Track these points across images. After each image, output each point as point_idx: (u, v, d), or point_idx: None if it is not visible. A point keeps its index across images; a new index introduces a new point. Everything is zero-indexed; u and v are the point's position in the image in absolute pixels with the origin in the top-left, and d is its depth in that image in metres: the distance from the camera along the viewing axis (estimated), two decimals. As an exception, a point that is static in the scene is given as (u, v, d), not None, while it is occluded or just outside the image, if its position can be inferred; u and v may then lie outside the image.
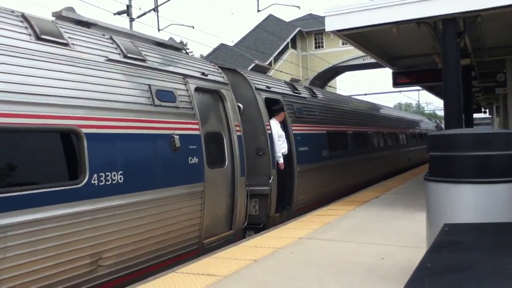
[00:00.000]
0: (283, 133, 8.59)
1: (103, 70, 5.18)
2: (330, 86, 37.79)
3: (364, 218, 7.71)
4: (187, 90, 6.37)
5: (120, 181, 4.97)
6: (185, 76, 6.46)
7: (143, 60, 5.87)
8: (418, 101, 61.58)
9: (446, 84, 8.46)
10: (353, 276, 4.57)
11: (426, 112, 62.93)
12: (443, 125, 11.57)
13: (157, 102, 5.73)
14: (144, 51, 6.07)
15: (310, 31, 34.66)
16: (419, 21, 8.66)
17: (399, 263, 4.92)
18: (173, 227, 5.73)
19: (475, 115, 35.88)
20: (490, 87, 18.27)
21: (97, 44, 5.39)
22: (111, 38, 5.70)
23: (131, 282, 4.79)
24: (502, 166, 3.96)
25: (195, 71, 6.81)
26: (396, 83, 14.66)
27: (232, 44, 29.80)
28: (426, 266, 1.75)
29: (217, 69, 7.46)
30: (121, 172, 4.98)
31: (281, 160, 8.28)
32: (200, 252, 6.21)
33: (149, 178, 5.41)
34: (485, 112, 37.78)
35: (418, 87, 27.66)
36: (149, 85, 5.72)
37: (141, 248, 5.26)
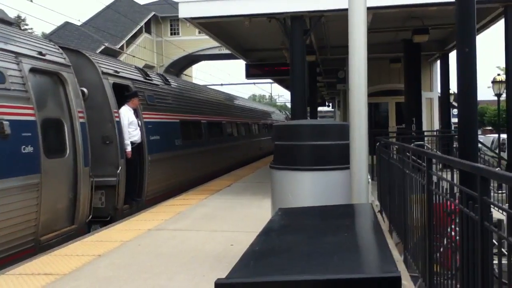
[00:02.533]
0: (134, 120, 8.25)
1: None
2: (186, 75, 37.61)
3: (216, 206, 7.82)
4: (20, 71, 5.70)
5: None
6: (17, 54, 5.77)
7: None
8: (271, 93, 64.83)
9: (292, 78, 8.97)
10: (202, 264, 4.57)
11: (278, 104, 66.48)
12: (292, 117, 12.24)
13: (-19, 82, 5.03)
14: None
15: (165, 16, 33.90)
16: (270, 16, 9.03)
17: (246, 248, 5.05)
18: (2, 223, 5.12)
19: (321, 108, 38.98)
20: (333, 83, 19.93)
21: None
22: None
23: None
24: (337, 155, 4.29)
25: (31, 49, 6.12)
26: (249, 75, 15.17)
27: (79, 24, 27.73)
28: (254, 249, 1.78)
29: (58, 49, 6.82)
30: None
31: (128, 149, 7.94)
32: (36, 250, 5.66)
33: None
34: (328, 106, 41.27)
35: (270, 80, 29.03)
36: (-29, 62, 4.99)
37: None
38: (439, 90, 16.10)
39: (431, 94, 16.63)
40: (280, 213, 2.42)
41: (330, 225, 2.27)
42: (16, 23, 7.21)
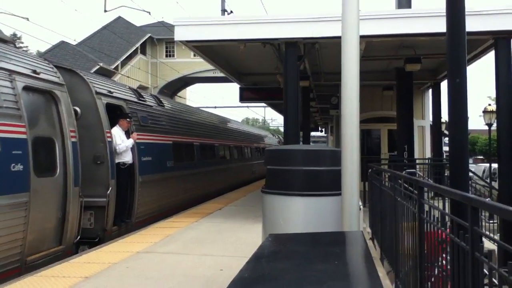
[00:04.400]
0: (125, 140, 8.22)
1: None
2: (180, 97, 37.70)
3: (206, 230, 7.74)
4: (13, 88, 5.69)
5: None
6: (11, 72, 5.77)
7: (-44, 51, 5.10)
8: (264, 117, 65.18)
9: (286, 103, 9.02)
10: (190, 289, 4.50)
11: (271, 128, 66.74)
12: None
13: (-27, 99, 5.00)
14: (-41, 40, 5.27)
15: (161, 38, 34.19)
16: (264, 42, 9.14)
17: (236, 273, 4.98)
18: (-13, 243, 5.03)
19: (314, 133, 39.18)
20: (326, 109, 20.06)
21: None
22: None
23: None
24: (329, 180, 4.27)
25: (25, 67, 6.13)
26: (242, 98, 15.23)
27: (74, 43, 27.82)
28: (243, 276, 1.75)
29: (52, 67, 6.83)
30: None
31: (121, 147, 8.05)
32: (22, 270, 5.55)
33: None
34: (321, 131, 41.46)
35: (264, 104, 29.18)
36: (-36, 79, 4.97)
37: None
38: (431, 118, 16.25)
39: (423, 122, 16.78)
40: (270, 239, 2.40)
41: (321, 253, 2.24)
42: (12, 41, 7.23)
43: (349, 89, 3.63)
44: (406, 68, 11.67)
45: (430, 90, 15.89)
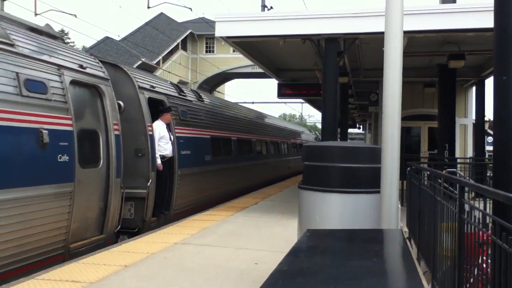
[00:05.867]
0: (166, 135, 8.40)
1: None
2: (218, 92, 38.06)
3: (242, 224, 7.82)
4: (62, 82, 5.91)
5: (-25, 177, 4.44)
6: (60, 67, 6.00)
7: (11, 45, 5.34)
8: (301, 113, 64.78)
9: (324, 99, 8.97)
10: (225, 281, 4.58)
11: (308, 124, 66.37)
12: (321, 137, 12.22)
13: (25, 92, 5.23)
14: (13, 35, 5.51)
15: (201, 34, 34.60)
16: (304, 37, 9.10)
17: (271, 267, 4.98)
18: (35, 229, 5.26)
19: (351, 130, 38.70)
20: (365, 105, 19.79)
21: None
22: (-28, 17, 5.10)
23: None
24: (367, 178, 4.25)
25: (72, 62, 6.35)
26: (280, 94, 15.22)
27: (118, 39, 28.53)
28: (283, 269, 1.78)
29: (98, 62, 7.05)
30: (-25, 166, 4.45)
31: (158, 161, 8.08)
32: (65, 257, 5.78)
33: (10, 175, 4.90)
34: (359, 128, 40.91)
35: (301, 100, 29.07)
36: (17, 73, 5.21)
37: (-3, 251, 4.75)
38: (473, 117, 15.77)
39: (466, 121, 16.31)
40: (308, 234, 2.42)
41: (359, 249, 2.25)
42: (60, 37, 7.49)
43: (391, 85, 3.60)
44: (449, 64, 11.36)
45: (474, 88, 15.41)
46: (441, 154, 12.61)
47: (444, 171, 8.76)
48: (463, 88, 15.84)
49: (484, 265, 3.13)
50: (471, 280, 3.32)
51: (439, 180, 4.61)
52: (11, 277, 4.77)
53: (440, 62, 12.07)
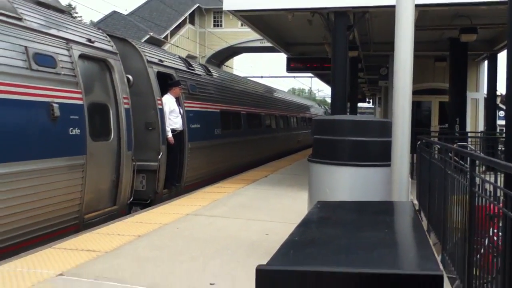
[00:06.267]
0: (176, 108, 8.42)
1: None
2: (227, 66, 37.84)
3: (252, 196, 7.89)
4: (70, 56, 5.92)
5: (-13, 150, 4.51)
6: (68, 41, 5.99)
7: (19, 19, 5.32)
8: (310, 88, 64.44)
9: (334, 73, 8.89)
10: (237, 251, 4.65)
11: (317, 98, 66.01)
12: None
13: (34, 66, 5.24)
14: (20, 9, 5.50)
15: (209, 8, 34.23)
16: (313, 11, 8.96)
17: (281, 238, 5.03)
18: (50, 200, 5.36)
19: (360, 105, 38.42)
20: (374, 79, 19.60)
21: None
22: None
23: (2, 258, 4.40)
24: (376, 152, 4.25)
25: (81, 36, 6.34)
26: (289, 68, 15.09)
27: (126, 13, 28.34)
28: (294, 239, 1.81)
29: (106, 36, 7.03)
30: (-13, 140, 4.52)
31: (169, 135, 8.13)
32: (80, 227, 5.91)
33: (23, 148, 4.97)
34: (369, 102, 40.62)
35: (310, 74, 28.81)
36: (26, 47, 5.21)
37: (14, 222, 4.88)
38: (485, 91, 15.59)
39: (477, 95, 16.15)
40: (319, 206, 2.45)
41: (370, 221, 2.27)
42: (68, 11, 7.46)
43: (403, 59, 3.56)
44: (461, 38, 11.18)
45: (486, 62, 15.19)
46: (451, 128, 12.55)
47: (455, 145, 8.72)
48: (474, 62, 15.62)
49: (495, 238, 3.16)
50: (481, 251, 3.36)
51: (450, 154, 4.61)
52: (30, 246, 4.89)
53: (452, 36, 11.88)
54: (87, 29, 6.79)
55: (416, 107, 16.43)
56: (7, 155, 4.77)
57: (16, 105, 4.95)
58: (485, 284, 3.10)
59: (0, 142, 4.67)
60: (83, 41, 6.33)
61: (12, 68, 4.95)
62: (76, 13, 36.02)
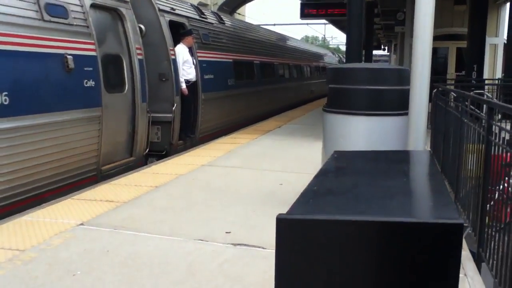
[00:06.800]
0: (189, 59, 8.33)
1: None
2: (239, 14, 36.98)
3: (266, 146, 7.94)
4: (82, 6, 5.83)
5: (5, 103, 4.56)
6: (79, -11, 5.89)
7: (29, -32, 5.22)
8: (324, 35, 63.06)
9: (349, 19, 8.64)
10: (252, 200, 4.74)
11: (331, 46, 64.70)
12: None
13: (46, 17, 5.18)
14: (30, -43, 5.37)
15: (220, -49, 33.17)
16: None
17: (295, 188, 5.15)
18: (67, 152, 5.45)
19: (375, 52, 37.66)
20: (391, 25, 19.11)
21: None
22: None
23: (24, 209, 4.56)
24: (392, 101, 4.21)
25: (91, -15, 6.22)
26: (303, 14, 14.78)
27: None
28: (312, 189, 1.84)
29: (117, -15, 6.88)
30: (5, 93, 4.55)
31: (183, 86, 8.10)
32: (98, 178, 6.03)
33: (38, 100, 5.01)
34: (384, 49, 39.79)
35: (325, 20, 28.11)
36: (37, -4, 5.14)
37: (33, 174, 4.99)
38: (505, 36, 15.13)
39: (496, 40, 15.68)
40: (336, 156, 2.46)
41: (388, 170, 2.28)
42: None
43: (424, 2, 3.43)
44: (483, -21, 10.75)
45: (508, 4, 14.64)
46: (469, 76, 12.30)
47: (472, 92, 8.57)
48: (495, 5, 15.07)
49: (509, 188, 3.16)
50: (493, 201, 3.38)
51: (466, 102, 4.54)
52: (51, 197, 5.04)
53: (474, -24, 11.41)
54: (97, -22, 6.64)
55: (432, 53, 16.05)
56: (25, 108, 4.82)
57: (30, 58, 4.94)
58: (496, 233, 3.14)
59: (17, 96, 4.70)
60: (94, -10, 6.21)
61: (24, 20, 4.91)
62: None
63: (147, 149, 7.23)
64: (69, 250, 3.43)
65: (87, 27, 5.83)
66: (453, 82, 12.99)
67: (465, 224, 3.99)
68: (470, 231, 3.77)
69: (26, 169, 4.88)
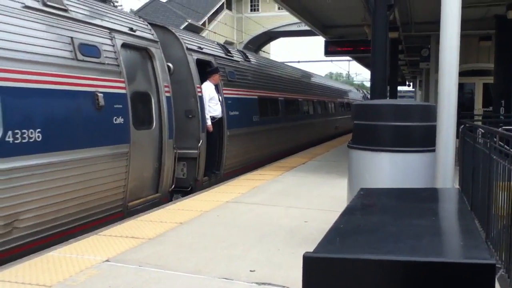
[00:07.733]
0: (215, 96, 8.48)
1: (19, 18, 4.77)
2: (264, 51, 37.72)
3: (290, 183, 7.91)
4: (113, 46, 6.05)
5: (38, 139, 4.69)
6: (111, 30, 6.13)
7: (65, 10, 5.48)
8: (348, 72, 63.44)
9: (373, 55, 8.71)
10: (276, 238, 4.69)
11: (355, 82, 64.92)
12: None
13: (80, 56, 5.40)
14: (66, 0, 5.66)
15: (246, -8, 34.18)
16: (352, -10, 8.80)
17: (320, 225, 5.11)
18: (95, 188, 5.53)
19: (400, 88, 37.55)
20: (415, 61, 19.12)
21: (12, -11, 4.93)
22: (28, -16, 5.23)
23: (51, 245, 4.62)
24: (418, 137, 4.17)
25: (123, 26, 6.47)
26: (327, 52, 14.93)
27: (164, 0, 28.61)
28: (339, 227, 1.82)
29: (147, 25, 7.14)
30: (39, 130, 4.70)
31: (209, 122, 8.21)
32: (124, 214, 6.08)
33: (70, 137, 5.14)
34: (409, 85, 39.65)
35: (349, 57, 28.33)
36: (71, 37, 5.36)
37: (62, 210, 5.06)
38: (533, 71, 14.92)
39: (524, 75, 15.46)
40: (362, 193, 2.44)
41: (416, 208, 2.24)
42: (109, 0, 7.61)
43: (449, 37, 3.43)
44: (508, 15, 10.72)
45: (535, 40, 14.50)
46: (496, 111, 12.12)
47: (500, 128, 8.43)
48: (522, 40, 14.94)
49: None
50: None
51: (495, 138, 4.47)
52: (75, 234, 5.09)
53: (498, 12, 11.41)
54: (129, 18, 6.91)
55: (459, 89, 15.91)
56: (57, 145, 4.95)
57: (63, 96, 5.11)
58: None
59: (50, 132, 4.84)
60: (125, 30, 6.45)
61: (59, 59, 5.11)
62: (117, 1, 36.66)
63: (173, 185, 7.29)
64: (94, 286, 3.44)
65: (118, 65, 6.03)
66: (480, 117, 12.80)
67: (497, 265, 3.85)
68: (503, 273, 3.63)
69: (55, 204, 4.97)
